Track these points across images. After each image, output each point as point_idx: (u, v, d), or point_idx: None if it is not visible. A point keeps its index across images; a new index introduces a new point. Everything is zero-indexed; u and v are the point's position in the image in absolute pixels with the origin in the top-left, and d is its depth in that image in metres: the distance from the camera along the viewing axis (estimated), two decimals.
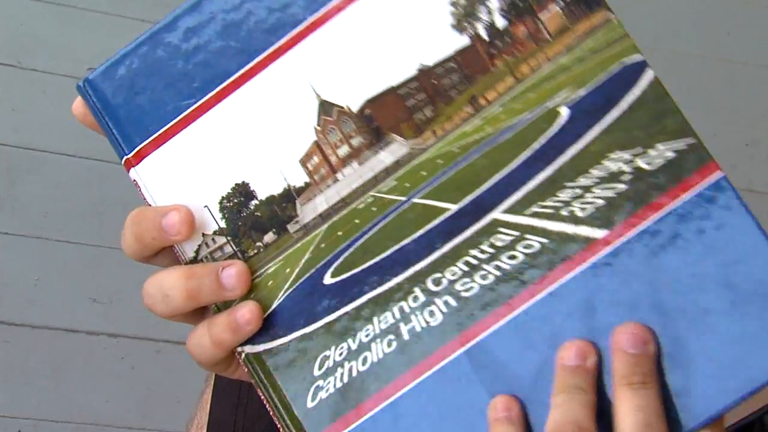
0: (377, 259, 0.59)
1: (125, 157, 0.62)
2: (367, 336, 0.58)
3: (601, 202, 0.55)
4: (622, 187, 0.55)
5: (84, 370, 1.63)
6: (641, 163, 0.55)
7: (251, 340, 0.61)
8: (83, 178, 1.71)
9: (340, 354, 0.59)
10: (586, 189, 0.55)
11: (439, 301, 0.57)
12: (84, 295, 1.66)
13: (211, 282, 0.57)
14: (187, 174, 0.63)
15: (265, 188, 0.60)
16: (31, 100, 1.75)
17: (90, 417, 1.63)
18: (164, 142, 0.62)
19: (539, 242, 0.56)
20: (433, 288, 0.57)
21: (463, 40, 0.56)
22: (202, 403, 0.94)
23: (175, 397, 1.60)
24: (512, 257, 0.57)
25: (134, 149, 0.62)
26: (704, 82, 2.02)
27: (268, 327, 0.61)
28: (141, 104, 0.63)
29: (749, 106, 2.02)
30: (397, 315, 0.58)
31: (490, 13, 0.57)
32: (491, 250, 0.57)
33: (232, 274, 0.57)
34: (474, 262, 0.57)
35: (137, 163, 0.63)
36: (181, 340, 1.62)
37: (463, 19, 0.57)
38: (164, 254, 0.60)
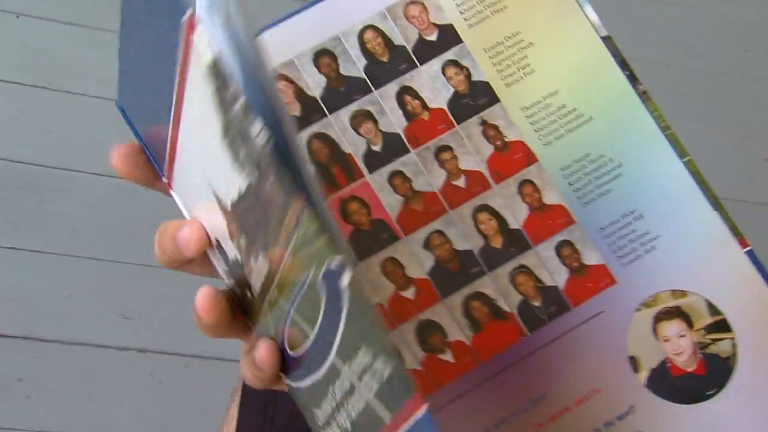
0: (300, 352, 0.56)
1: (164, 180, 0.62)
2: (328, 412, 0.56)
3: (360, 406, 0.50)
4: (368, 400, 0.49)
5: (113, 385, 1.64)
6: (368, 379, 0.48)
7: (286, 371, 0.58)
8: (112, 197, 1.72)
9: (323, 418, 0.57)
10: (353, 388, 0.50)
11: (340, 413, 0.54)
12: (114, 311, 1.68)
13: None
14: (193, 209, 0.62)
15: (228, 250, 0.58)
16: (61, 121, 1.78)
17: None
18: (172, 168, 0.60)
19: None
20: (334, 397, 0.54)
21: (245, 179, 0.50)
22: (229, 417, 0.94)
23: (204, 411, 1.60)
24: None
25: (164, 170, 0.60)
26: (723, 97, 2.01)
27: (286, 369, 0.59)
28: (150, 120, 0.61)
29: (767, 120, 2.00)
30: (329, 409, 0.56)
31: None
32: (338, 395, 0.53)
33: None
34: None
35: (171, 187, 0.62)
36: (210, 355, 1.63)
37: (236, 159, 0.51)
38: (196, 263, 0.61)
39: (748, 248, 0.65)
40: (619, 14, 2.04)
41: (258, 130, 0.45)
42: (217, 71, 0.46)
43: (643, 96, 0.67)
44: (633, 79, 0.67)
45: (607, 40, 0.67)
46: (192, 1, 0.47)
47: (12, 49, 1.72)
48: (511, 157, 0.66)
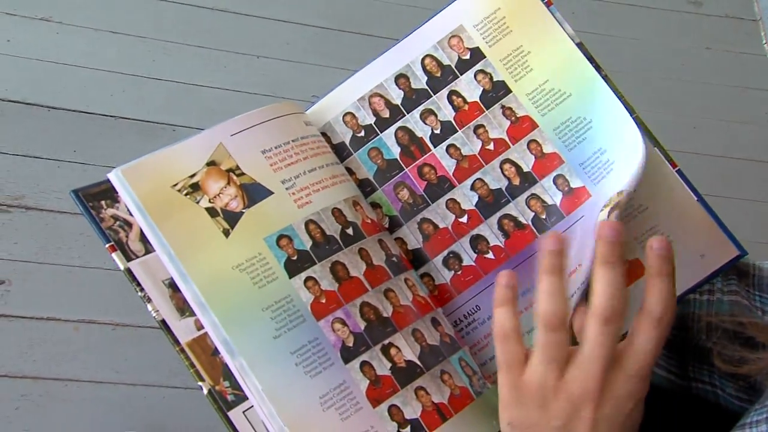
0: None
1: None
2: None
3: None
4: None
5: None
6: None
7: None
8: None
9: None
10: None
11: None
12: None
13: None
14: None
15: None
16: None
17: None
18: None
19: None
20: None
21: None
22: None
23: None
24: None
25: None
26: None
27: None
28: None
29: None
30: None
31: None
32: None
33: None
34: None
35: None
36: None
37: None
38: None
39: (677, 168, 0.67)
40: None
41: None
42: (131, 277, 0.61)
43: (606, 77, 0.70)
44: (598, 67, 0.70)
45: (579, 45, 0.71)
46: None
47: (252, 75, 1.80)
48: (521, 126, 0.72)
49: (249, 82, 1.82)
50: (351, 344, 0.61)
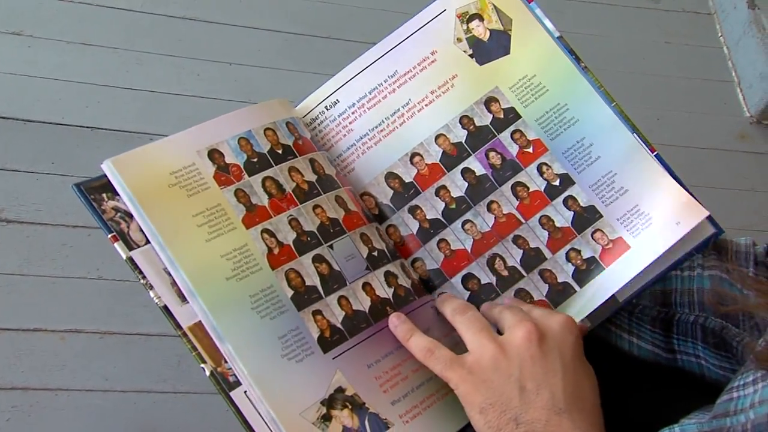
0: None
1: None
2: None
3: None
4: None
5: None
6: None
7: None
8: None
9: None
10: None
11: None
12: None
13: None
14: None
15: None
16: None
17: None
18: None
19: None
20: None
21: None
22: None
23: None
24: None
25: None
26: None
27: None
28: None
29: None
30: None
31: None
32: None
33: None
34: None
35: None
36: None
37: None
38: None
39: (655, 152, 0.69)
40: None
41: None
42: (133, 265, 0.61)
43: (585, 69, 0.72)
44: (577, 59, 0.71)
45: (559, 38, 0.71)
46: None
47: (225, 82, 1.81)
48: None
49: (223, 90, 1.83)
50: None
